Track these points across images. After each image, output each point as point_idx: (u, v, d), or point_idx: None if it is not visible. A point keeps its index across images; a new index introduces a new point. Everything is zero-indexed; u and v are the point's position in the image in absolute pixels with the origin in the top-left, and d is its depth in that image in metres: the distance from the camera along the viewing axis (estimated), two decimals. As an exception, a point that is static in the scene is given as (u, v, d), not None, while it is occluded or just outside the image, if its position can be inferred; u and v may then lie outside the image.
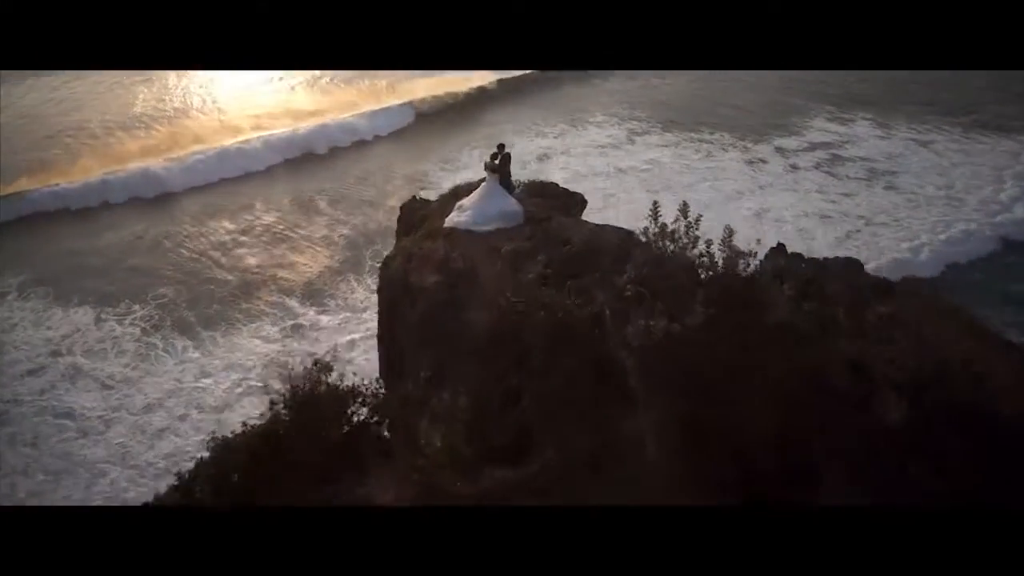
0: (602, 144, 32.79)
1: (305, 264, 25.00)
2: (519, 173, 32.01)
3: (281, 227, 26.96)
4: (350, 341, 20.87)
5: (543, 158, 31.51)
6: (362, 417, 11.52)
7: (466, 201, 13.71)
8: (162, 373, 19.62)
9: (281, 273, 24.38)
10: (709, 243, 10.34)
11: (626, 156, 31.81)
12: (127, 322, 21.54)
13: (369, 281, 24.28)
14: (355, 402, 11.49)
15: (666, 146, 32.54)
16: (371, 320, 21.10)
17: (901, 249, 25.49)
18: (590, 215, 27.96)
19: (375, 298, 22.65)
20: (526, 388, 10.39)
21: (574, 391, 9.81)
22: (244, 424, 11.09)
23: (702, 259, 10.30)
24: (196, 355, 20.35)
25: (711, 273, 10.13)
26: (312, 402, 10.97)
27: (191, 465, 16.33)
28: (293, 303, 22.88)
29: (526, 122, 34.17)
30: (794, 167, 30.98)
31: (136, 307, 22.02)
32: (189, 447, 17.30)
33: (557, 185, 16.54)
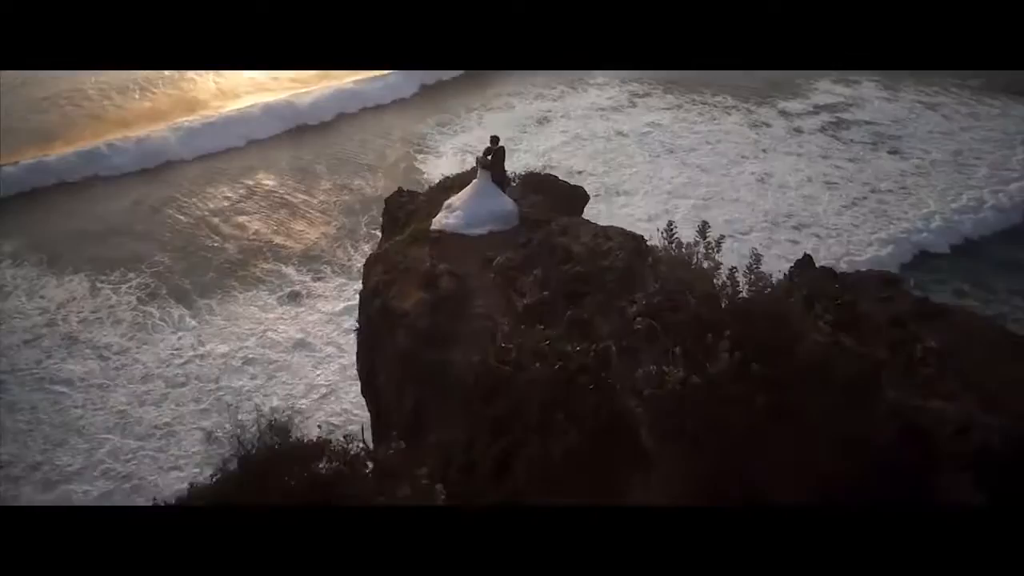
0: (602, 107, 32.15)
1: (302, 231, 24.71)
2: (519, 137, 31.61)
3: (279, 194, 26.58)
4: (346, 308, 20.69)
5: (543, 121, 30.95)
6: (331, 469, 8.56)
7: (456, 200, 12.53)
8: (159, 342, 19.52)
9: (277, 240, 24.12)
10: (733, 270, 8.76)
11: (627, 119, 31.21)
12: (123, 291, 21.35)
13: (365, 248, 24.08)
14: (324, 460, 8.63)
15: (667, 108, 31.91)
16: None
17: (910, 218, 25.14)
18: (591, 180, 27.73)
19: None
20: (519, 452, 8.72)
21: (574, 456, 8.26)
22: (191, 485, 9.38)
23: (724, 289, 8.66)
24: (193, 324, 20.22)
25: (736, 298, 8.46)
26: (266, 469, 8.54)
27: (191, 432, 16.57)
28: (290, 270, 22.68)
29: (525, 84, 33.44)
30: (798, 131, 30.44)
31: (131, 275, 21.79)
32: (188, 416, 17.33)
33: (556, 178, 15.17)
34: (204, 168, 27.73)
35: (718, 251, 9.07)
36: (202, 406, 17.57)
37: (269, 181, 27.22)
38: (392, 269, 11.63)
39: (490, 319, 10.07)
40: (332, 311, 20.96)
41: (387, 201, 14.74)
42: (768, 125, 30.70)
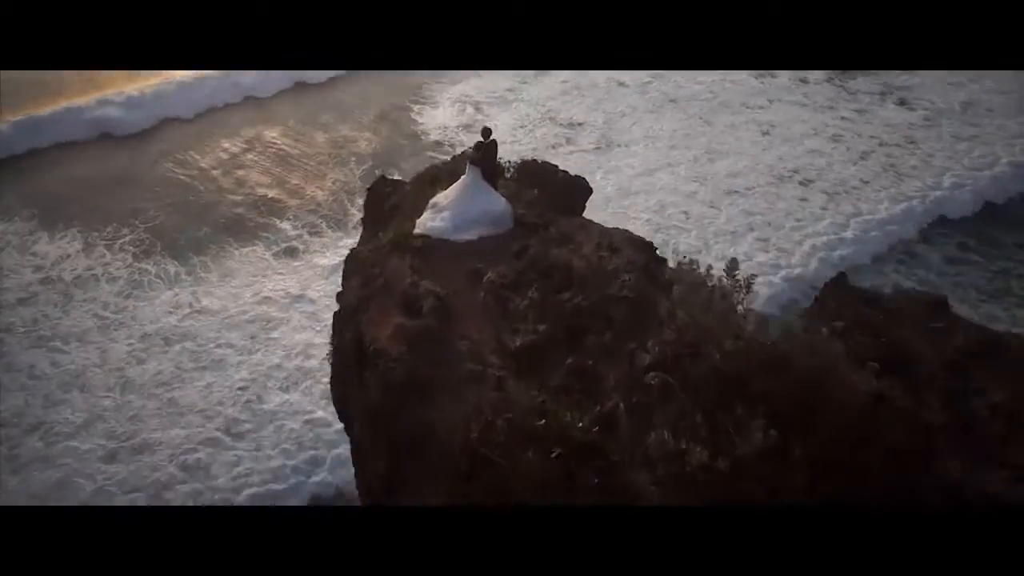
0: (604, 55, 31.24)
1: (297, 185, 24.27)
2: (518, 88, 30.74)
3: (274, 148, 26.03)
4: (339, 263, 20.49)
5: (542, 71, 30.10)
6: None
7: (442, 198, 11.19)
8: (156, 300, 19.33)
9: (272, 193, 23.71)
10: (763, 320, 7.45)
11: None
12: (116, 247, 21.04)
13: (360, 202, 23.73)
14: None
15: (671, 57, 31.02)
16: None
17: (920, 174, 24.68)
18: (591, 131, 27.03)
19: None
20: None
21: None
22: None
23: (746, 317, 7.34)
24: (189, 281, 20.01)
25: (762, 343, 6.94)
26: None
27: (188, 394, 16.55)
28: (285, 225, 22.34)
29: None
30: (803, 80, 29.70)
31: (125, 231, 21.45)
32: (186, 376, 17.30)
33: (555, 168, 13.28)
34: (201, 124, 26.99)
35: (747, 292, 7.71)
36: (202, 363, 17.51)
37: (266, 135, 26.58)
38: (369, 283, 10.11)
39: (478, 359, 8.40)
40: (329, 265, 20.71)
41: (369, 191, 13.36)
42: (773, 75, 29.94)
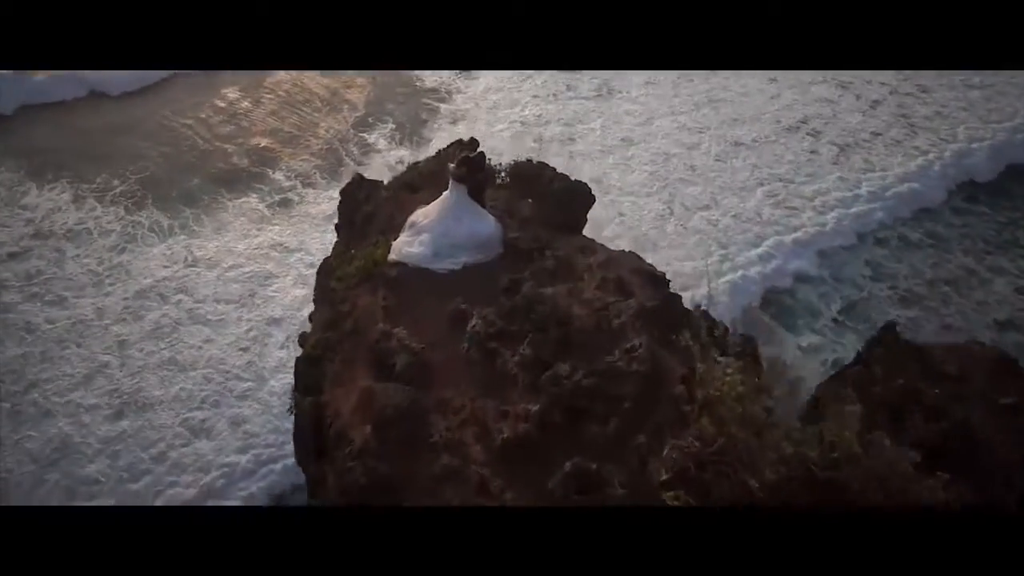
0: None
1: (290, 134, 23.66)
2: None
3: (266, 98, 25.26)
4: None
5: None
6: None
7: (421, 217, 9.89)
8: (150, 254, 19.02)
9: (264, 143, 23.13)
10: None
11: (632, 9, 29.24)
12: (107, 199, 20.58)
13: (354, 149, 23.19)
14: None
15: None
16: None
17: (935, 127, 23.90)
18: (587, 78, 26.11)
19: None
20: None
21: None
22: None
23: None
24: (182, 236, 19.65)
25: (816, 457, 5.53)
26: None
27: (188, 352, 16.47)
28: (278, 176, 21.86)
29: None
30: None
31: (116, 183, 20.96)
32: (185, 332, 17.14)
33: (554, 172, 11.59)
34: (192, 80, 25.89)
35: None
36: (198, 324, 17.36)
37: (258, 84, 25.73)
38: (337, 324, 8.92)
39: (458, 450, 7.07)
40: (327, 214, 20.31)
41: (342, 194, 12.31)
42: (781, 16, 28.87)
